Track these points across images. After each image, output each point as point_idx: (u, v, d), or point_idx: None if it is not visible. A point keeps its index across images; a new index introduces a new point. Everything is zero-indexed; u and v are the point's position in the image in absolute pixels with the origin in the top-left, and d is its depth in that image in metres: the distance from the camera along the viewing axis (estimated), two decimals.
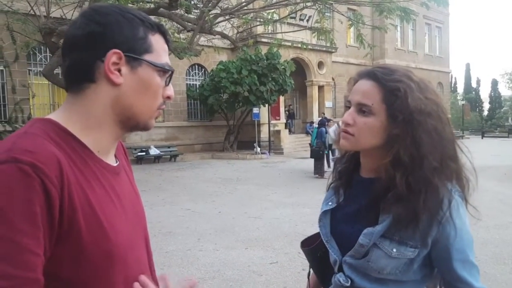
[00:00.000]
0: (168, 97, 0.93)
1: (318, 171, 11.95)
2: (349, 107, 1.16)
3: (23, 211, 0.67)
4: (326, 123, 13.14)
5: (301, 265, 4.53)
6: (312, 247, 1.36)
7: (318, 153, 11.91)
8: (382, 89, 1.09)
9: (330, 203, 1.27)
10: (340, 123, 1.19)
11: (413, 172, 1.05)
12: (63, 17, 11.28)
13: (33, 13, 11.58)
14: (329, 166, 12.34)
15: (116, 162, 0.95)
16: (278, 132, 21.37)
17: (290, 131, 25.03)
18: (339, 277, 1.17)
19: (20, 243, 0.66)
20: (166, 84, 0.91)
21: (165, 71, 0.90)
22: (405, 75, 1.11)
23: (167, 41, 0.93)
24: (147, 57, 0.86)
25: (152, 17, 0.96)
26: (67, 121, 0.83)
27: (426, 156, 1.05)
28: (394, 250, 1.07)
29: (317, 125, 14.04)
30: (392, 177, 1.07)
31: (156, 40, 0.89)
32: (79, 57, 0.83)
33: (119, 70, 0.84)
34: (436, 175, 1.05)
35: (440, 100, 1.15)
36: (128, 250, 0.85)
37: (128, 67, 0.85)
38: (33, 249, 0.68)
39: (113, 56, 0.82)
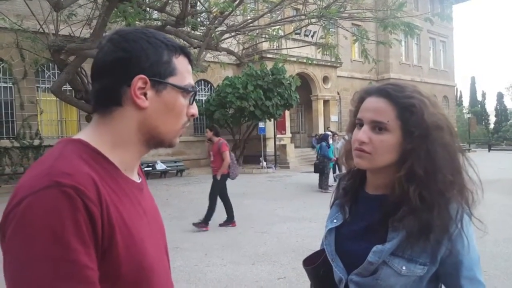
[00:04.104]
0: (193, 115, 0.96)
1: (321, 185, 11.91)
2: (360, 125, 1.15)
3: (75, 231, 0.71)
4: (330, 137, 13.13)
5: (309, 280, 4.50)
6: (315, 266, 1.33)
7: (318, 167, 11.91)
8: (396, 106, 1.10)
9: (335, 221, 1.26)
10: (352, 141, 1.17)
11: (427, 186, 1.06)
12: (72, 34, 11.45)
13: (42, 31, 11.79)
14: (335, 180, 12.28)
15: (139, 179, 0.99)
16: (284, 146, 21.38)
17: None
18: None
19: (79, 261, 0.71)
20: (190, 103, 0.95)
21: (188, 92, 0.93)
22: (416, 91, 1.13)
23: (190, 62, 0.97)
24: (171, 80, 0.90)
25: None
26: (97, 141, 0.87)
27: (440, 170, 1.06)
28: (404, 268, 1.07)
29: (316, 140, 13.92)
30: (406, 191, 1.07)
31: (180, 62, 0.93)
32: (107, 82, 0.87)
33: (145, 94, 0.88)
34: (449, 188, 1.07)
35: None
36: (156, 261, 0.90)
37: (153, 91, 0.88)
38: (90, 265, 0.73)
39: (138, 81, 0.86)
